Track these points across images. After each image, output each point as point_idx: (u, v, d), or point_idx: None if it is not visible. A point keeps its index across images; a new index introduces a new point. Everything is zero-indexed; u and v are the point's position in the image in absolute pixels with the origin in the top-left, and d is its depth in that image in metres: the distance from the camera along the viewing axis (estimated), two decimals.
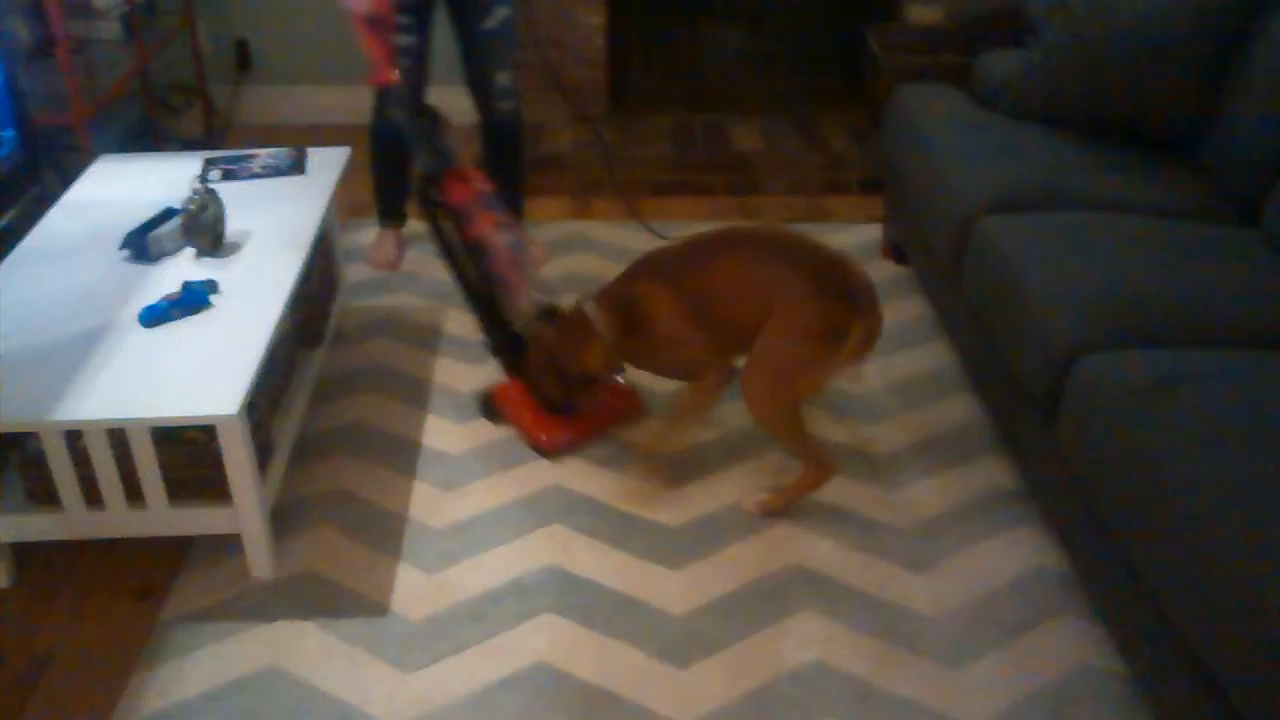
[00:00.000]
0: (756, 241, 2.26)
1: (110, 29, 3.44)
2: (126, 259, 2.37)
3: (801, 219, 3.52)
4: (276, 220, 2.51)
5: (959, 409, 2.64)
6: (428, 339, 2.91)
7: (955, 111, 2.91)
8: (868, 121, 3.95)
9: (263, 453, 2.16)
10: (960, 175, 2.59)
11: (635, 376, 2.54)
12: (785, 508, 2.31)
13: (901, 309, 3.04)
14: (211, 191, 2.37)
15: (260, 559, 2.13)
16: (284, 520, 2.28)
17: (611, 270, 2.51)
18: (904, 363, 2.81)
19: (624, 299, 2.30)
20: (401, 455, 2.48)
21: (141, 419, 1.93)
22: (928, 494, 2.37)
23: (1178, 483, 1.64)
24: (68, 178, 2.76)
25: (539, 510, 2.33)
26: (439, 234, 2.47)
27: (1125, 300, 2.06)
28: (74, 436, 1.99)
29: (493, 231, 2.41)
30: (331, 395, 2.68)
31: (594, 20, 3.90)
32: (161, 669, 1.95)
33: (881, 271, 3.22)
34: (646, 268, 2.33)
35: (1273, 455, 1.65)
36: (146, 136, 3.76)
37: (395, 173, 3.19)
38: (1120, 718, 1.86)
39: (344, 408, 2.64)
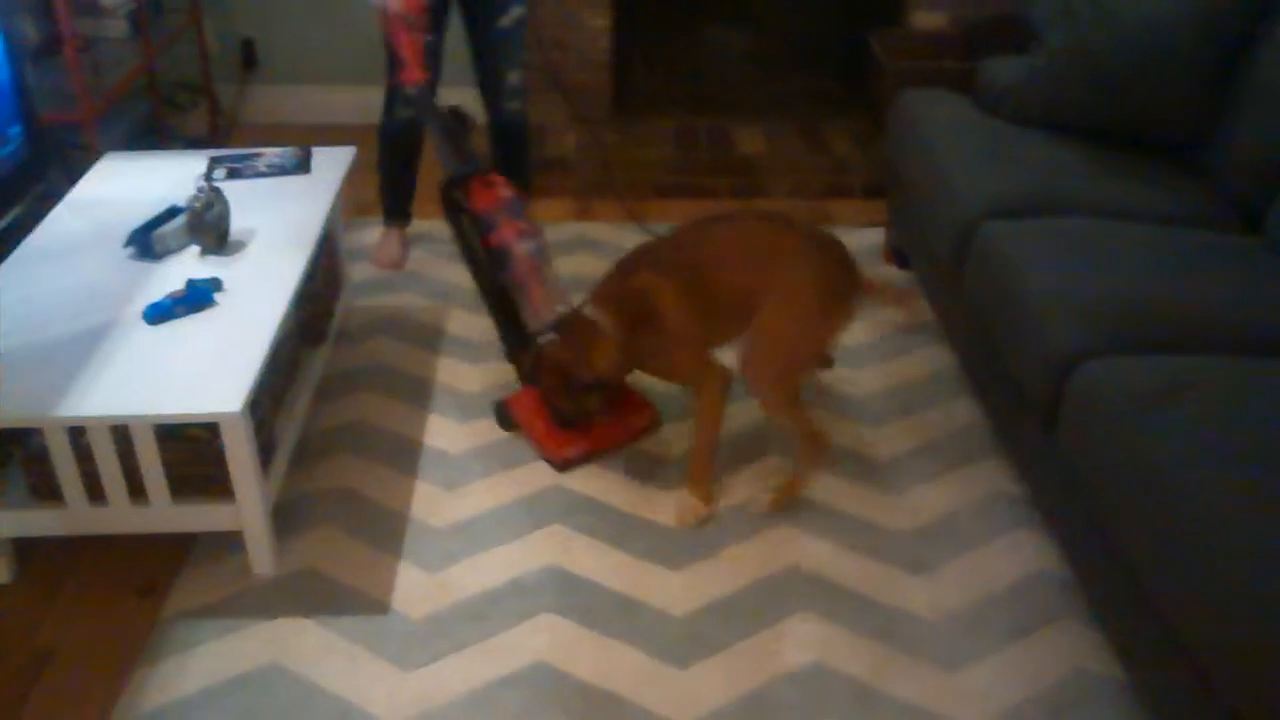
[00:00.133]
0: (748, 215, 2.38)
1: (117, 27, 3.46)
2: (131, 256, 2.38)
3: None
4: (281, 219, 2.52)
5: (959, 413, 2.65)
6: (431, 339, 2.92)
7: (958, 116, 2.92)
8: (871, 126, 3.96)
9: (265, 450, 2.16)
10: (962, 180, 2.60)
11: (647, 384, 2.54)
12: (796, 496, 2.34)
13: (903, 312, 3.05)
14: (216, 190, 2.38)
15: (262, 556, 2.14)
16: (286, 518, 2.28)
17: None
18: (905, 366, 2.82)
19: (624, 295, 2.29)
20: (403, 454, 2.49)
21: (145, 416, 1.94)
22: (927, 497, 2.38)
23: (1178, 489, 1.64)
24: (73, 175, 2.77)
25: (539, 510, 2.33)
26: (462, 238, 2.48)
27: (1127, 306, 2.06)
28: (77, 433, 2.00)
29: (515, 239, 2.41)
30: (334, 394, 2.69)
31: (599, 22, 3.90)
32: (162, 665, 1.96)
33: (884, 275, 3.23)
34: (641, 260, 2.35)
35: (1273, 462, 1.65)
36: (152, 135, 3.77)
37: (403, 172, 3.21)
38: None
39: (346, 406, 2.65)
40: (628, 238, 3.39)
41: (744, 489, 2.39)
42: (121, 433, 2.00)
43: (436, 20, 2.91)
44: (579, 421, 2.44)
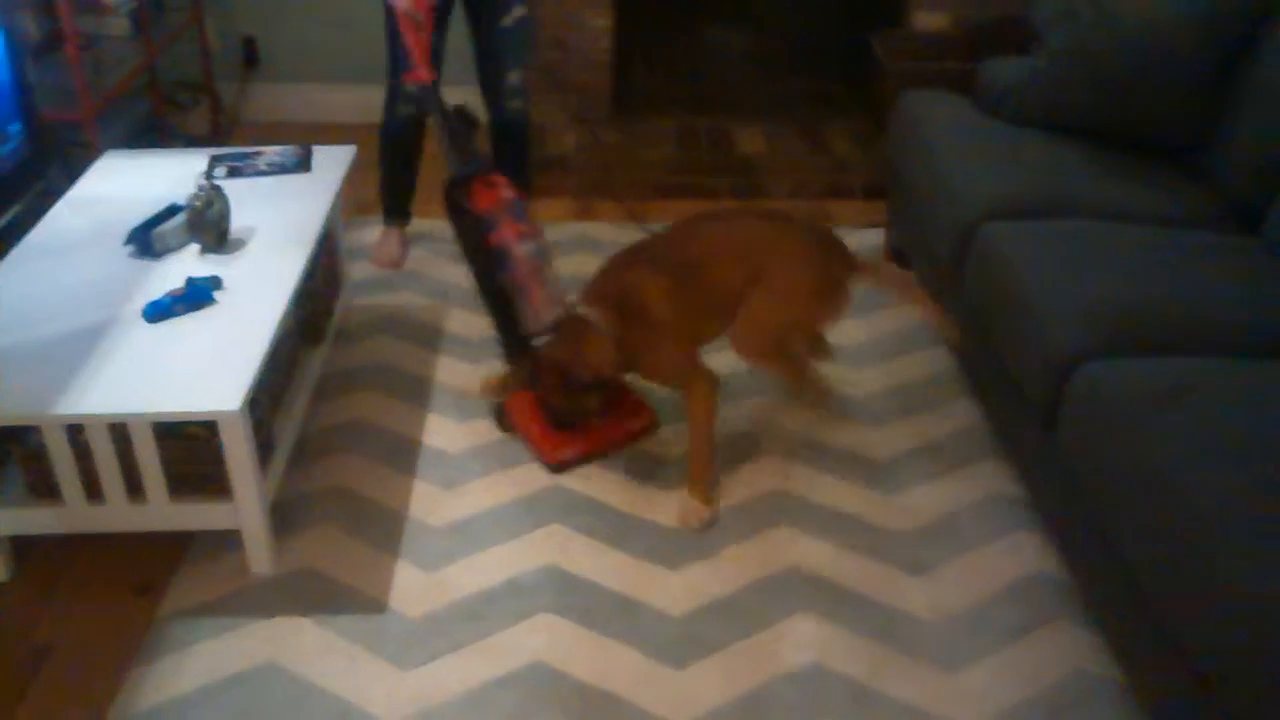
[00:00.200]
0: (743, 213, 2.50)
1: (119, 25, 3.46)
2: (131, 254, 2.38)
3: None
4: (281, 217, 2.52)
5: (959, 414, 2.64)
6: (430, 338, 2.92)
7: (959, 118, 2.91)
8: (871, 126, 3.95)
9: (264, 449, 2.16)
10: (963, 181, 2.60)
11: (646, 386, 2.54)
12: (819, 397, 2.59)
13: (903, 313, 3.04)
14: (217, 188, 2.38)
15: (260, 555, 2.13)
16: (284, 517, 2.28)
17: None
18: (905, 367, 2.82)
19: (615, 292, 2.31)
20: (402, 453, 2.49)
21: (143, 414, 1.94)
22: (927, 498, 2.38)
23: (1177, 490, 1.64)
24: (74, 173, 2.77)
25: (538, 510, 2.33)
26: (463, 238, 2.48)
27: (1127, 308, 2.06)
28: (75, 430, 2.00)
29: (515, 240, 2.41)
30: (333, 392, 2.69)
31: (600, 22, 3.90)
32: (159, 664, 1.96)
33: (880, 261, 3.23)
34: (632, 257, 2.37)
35: (1272, 463, 1.65)
36: (153, 133, 3.77)
37: (403, 171, 3.21)
38: None
39: (345, 405, 2.65)
40: (628, 238, 3.37)
41: (742, 489, 2.39)
42: (120, 431, 2.00)
43: (439, 19, 2.91)
44: (576, 422, 2.44)
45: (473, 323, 2.94)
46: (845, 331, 2.92)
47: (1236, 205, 2.48)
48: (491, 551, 2.22)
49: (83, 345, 2.08)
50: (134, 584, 2.14)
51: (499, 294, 2.48)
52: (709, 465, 2.35)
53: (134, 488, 2.06)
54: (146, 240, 2.36)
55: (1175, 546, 1.61)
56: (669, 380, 2.42)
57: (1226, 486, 1.61)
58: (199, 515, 2.10)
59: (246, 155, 2.81)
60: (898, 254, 3.26)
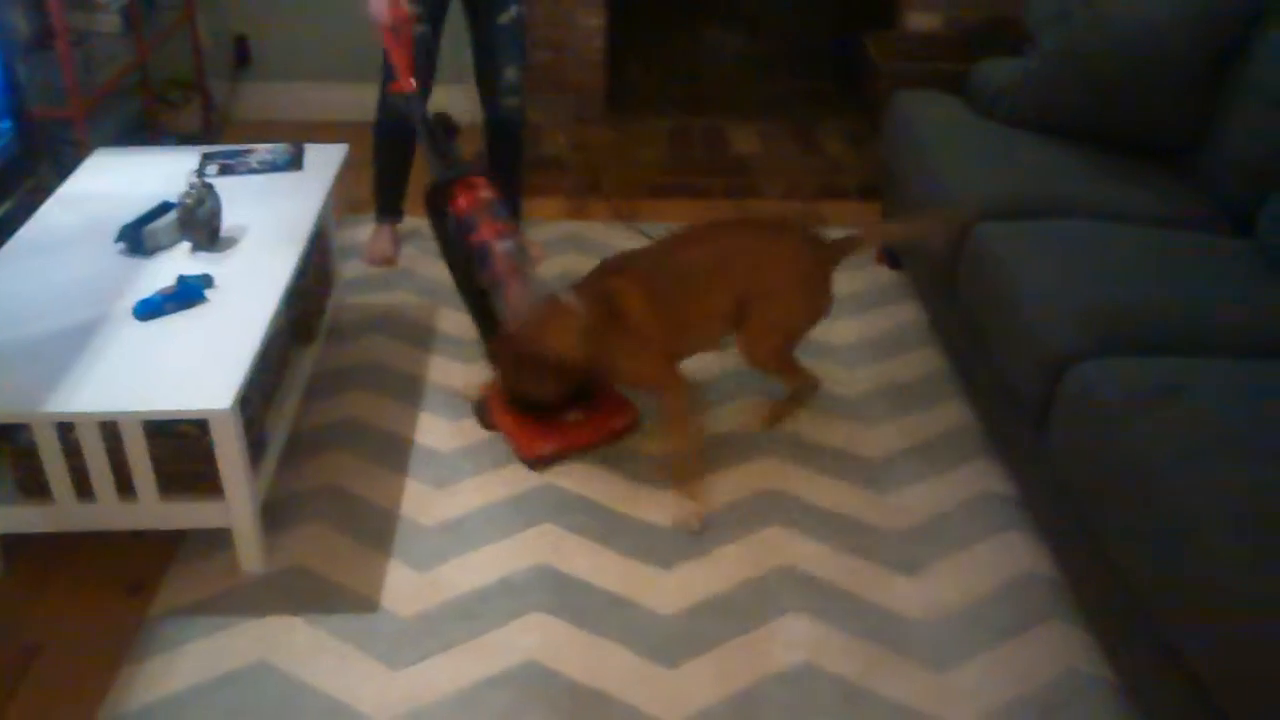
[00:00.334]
0: (738, 224, 2.59)
1: (110, 22, 3.45)
2: (122, 252, 2.37)
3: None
4: (273, 216, 2.51)
5: (951, 414, 2.65)
6: (422, 336, 2.91)
7: (952, 118, 2.92)
8: (865, 127, 3.96)
9: (255, 448, 2.16)
10: (956, 182, 2.60)
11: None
12: (782, 419, 2.58)
13: (896, 314, 3.05)
14: (208, 186, 2.37)
15: (251, 554, 2.13)
16: (275, 515, 2.27)
17: None
18: (897, 367, 2.82)
19: (600, 290, 2.34)
20: (393, 452, 2.48)
21: (134, 412, 1.93)
22: (919, 498, 2.38)
23: (1168, 491, 1.64)
24: (64, 170, 2.76)
25: (530, 509, 2.33)
26: (443, 241, 2.48)
27: (1119, 308, 2.06)
28: (66, 428, 1.99)
29: (494, 238, 2.42)
30: (325, 391, 2.69)
31: (593, 22, 3.91)
32: (150, 662, 1.95)
33: (877, 276, 3.23)
34: (623, 263, 2.40)
35: (1263, 464, 1.65)
36: (144, 131, 3.76)
37: (396, 168, 3.21)
38: None
39: (337, 404, 2.64)
40: (619, 237, 3.38)
41: (734, 489, 2.39)
42: (110, 429, 1.99)
43: (433, 14, 2.91)
44: (542, 407, 2.43)
45: (465, 322, 2.92)
46: (838, 331, 2.92)
47: (1229, 206, 2.48)
48: (483, 550, 2.21)
49: (73, 343, 2.07)
50: (125, 583, 2.13)
51: (480, 295, 2.49)
52: (691, 468, 2.36)
53: (124, 486, 2.05)
54: (137, 238, 2.35)
55: (1166, 546, 1.61)
56: (640, 384, 2.43)
57: (1217, 486, 1.62)
58: (190, 514, 2.09)
59: (238, 153, 2.80)
60: (889, 254, 3.27)
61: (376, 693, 1.90)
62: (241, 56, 4.18)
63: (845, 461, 2.48)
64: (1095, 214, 2.42)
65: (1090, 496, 1.83)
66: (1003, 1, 3.57)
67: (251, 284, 2.26)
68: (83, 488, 2.05)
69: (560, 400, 2.44)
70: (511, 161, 3.16)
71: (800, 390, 2.60)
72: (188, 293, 2.19)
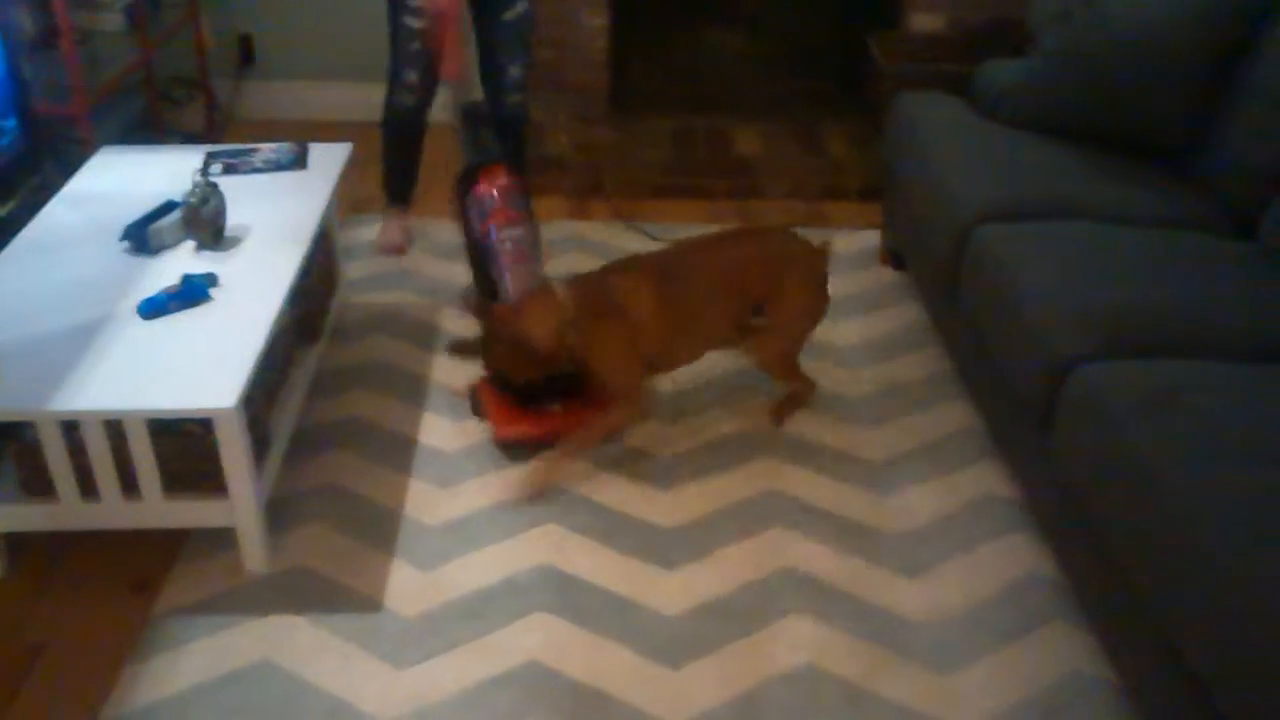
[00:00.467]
0: (744, 235, 2.63)
1: (114, 21, 3.45)
2: (126, 251, 2.37)
3: (800, 224, 3.52)
4: (277, 215, 2.52)
5: (954, 415, 2.65)
6: (426, 336, 2.91)
7: (955, 119, 2.92)
8: (868, 128, 3.96)
9: (259, 446, 2.16)
10: (959, 183, 2.60)
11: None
12: (783, 417, 2.60)
13: (898, 315, 3.05)
14: (213, 185, 2.37)
15: (255, 553, 2.13)
16: (279, 515, 2.28)
17: None
18: (899, 368, 2.82)
19: (597, 285, 2.37)
20: (397, 452, 2.48)
21: (138, 410, 1.94)
22: (921, 499, 2.38)
23: (1171, 493, 1.65)
24: (68, 169, 2.76)
25: (533, 509, 2.33)
26: (465, 225, 2.53)
27: (1122, 310, 2.06)
28: (70, 427, 1.99)
29: (503, 225, 2.44)
30: (328, 390, 2.69)
31: (596, 21, 3.90)
32: (154, 661, 1.95)
33: (879, 277, 3.23)
34: (629, 264, 2.44)
35: (1266, 466, 1.65)
36: (148, 129, 3.76)
37: (405, 159, 3.23)
38: None
39: (341, 403, 2.64)
40: (621, 238, 3.39)
41: (737, 490, 2.39)
42: (115, 427, 2.00)
43: None
44: (518, 391, 2.43)
45: (470, 321, 2.93)
46: (840, 332, 2.93)
47: (1232, 208, 2.48)
48: (487, 550, 2.22)
49: (78, 341, 2.07)
50: (129, 581, 2.13)
51: (491, 284, 2.50)
52: (579, 452, 2.42)
53: (129, 485, 2.05)
54: (142, 237, 2.36)
55: (1170, 548, 1.61)
56: (608, 382, 2.41)
57: (1220, 488, 1.62)
58: (194, 513, 2.10)
59: (242, 152, 2.80)
60: (893, 256, 3.27)
61: (380, 692, 1.90)
62: (245, 55, 4.18)
63: (847, 463, 2.48)
64: (1098, 216, 2.42)
65: (1094, 498, 1.83)
66: (1006, 2, 3.57)
67: (256, 283, 2.26)
68: (87, 486, 2.05)
69: (533, 386, 2.44)
70: (514, 158, 3.16)
71: (800, 390, 2.63)
72: (192, 291, 2.20)
